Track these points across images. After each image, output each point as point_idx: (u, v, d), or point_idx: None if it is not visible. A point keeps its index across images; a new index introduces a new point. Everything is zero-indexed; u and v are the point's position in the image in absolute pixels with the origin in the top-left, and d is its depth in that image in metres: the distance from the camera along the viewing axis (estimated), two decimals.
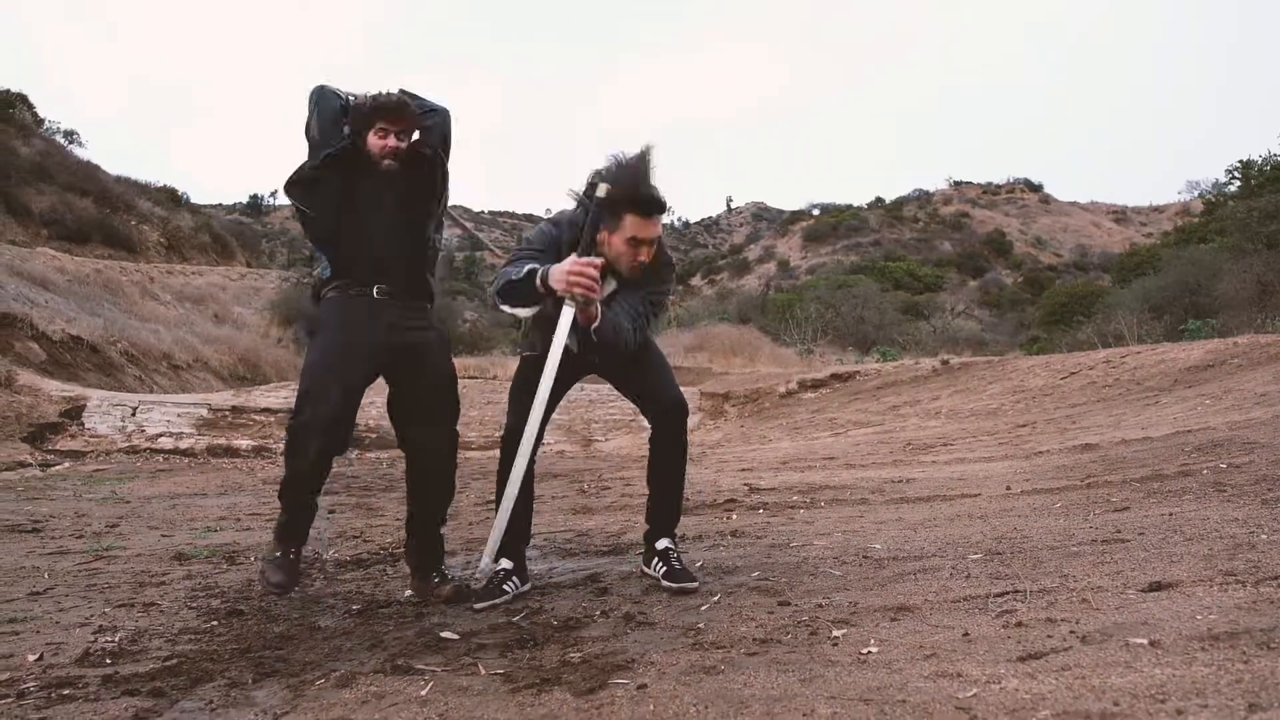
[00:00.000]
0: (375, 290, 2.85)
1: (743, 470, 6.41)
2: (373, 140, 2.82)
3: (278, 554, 2.80)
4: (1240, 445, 4.40)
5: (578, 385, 3.16)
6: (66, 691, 2.04)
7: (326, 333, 2.85)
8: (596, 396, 11.91)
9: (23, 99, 31.26)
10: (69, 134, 33.45)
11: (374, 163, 2.82)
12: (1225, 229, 22.32)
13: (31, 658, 2.31)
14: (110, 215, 26.60)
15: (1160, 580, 2.15)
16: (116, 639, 2.49)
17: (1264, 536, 2.49)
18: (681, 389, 2.91)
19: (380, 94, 2.84)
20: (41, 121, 32.13)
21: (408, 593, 2.94)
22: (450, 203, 3.05)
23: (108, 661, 2.28)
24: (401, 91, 2.91)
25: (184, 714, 1.89)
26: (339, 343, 2.81)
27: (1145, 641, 1.70)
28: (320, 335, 2.86)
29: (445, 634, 2.36)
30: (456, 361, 3.25)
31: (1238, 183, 27.27)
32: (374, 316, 2.84)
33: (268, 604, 2.87)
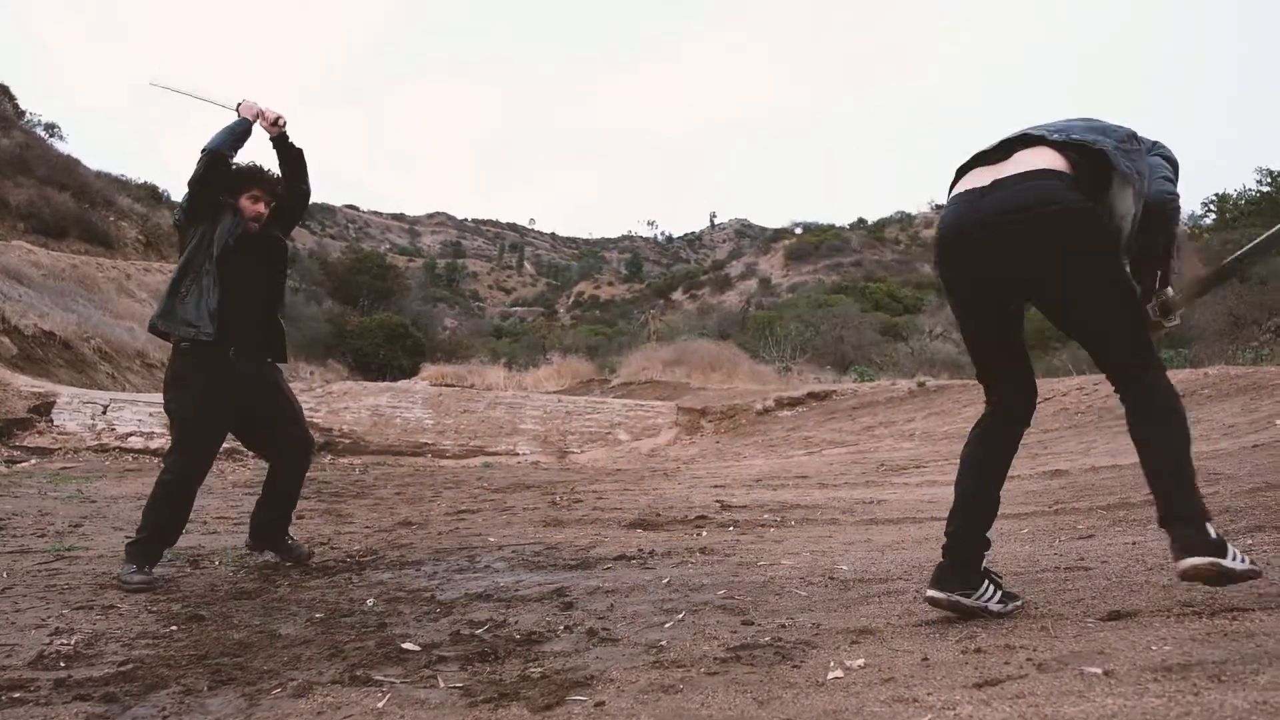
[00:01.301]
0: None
1: (715, 487, 6.41)
2: (244, 202, 3.47)
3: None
4: (1206, 476, 4.46)
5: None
6: (17, 695, 2.01)
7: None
8: (574, 408, 11.88)
9: (4, 90, 30.94)
10: (50, 127, 33.15)
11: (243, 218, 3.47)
12: None
13: None
14: (89, 210, 26.35)
15: (1119, 609, 2.17)
16: (72, 642, 2.45)
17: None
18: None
19: (254, 165, 3.52)
20: (22, 113, 31.81)
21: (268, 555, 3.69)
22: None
23: (61, 665, 2.24)
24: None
25: None
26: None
27: (1100, 671, 1.71)
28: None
29: (406, 645, 2.34)
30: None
31: (1213, 215, 27.76)
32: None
33: (229, 609, 2.85)
